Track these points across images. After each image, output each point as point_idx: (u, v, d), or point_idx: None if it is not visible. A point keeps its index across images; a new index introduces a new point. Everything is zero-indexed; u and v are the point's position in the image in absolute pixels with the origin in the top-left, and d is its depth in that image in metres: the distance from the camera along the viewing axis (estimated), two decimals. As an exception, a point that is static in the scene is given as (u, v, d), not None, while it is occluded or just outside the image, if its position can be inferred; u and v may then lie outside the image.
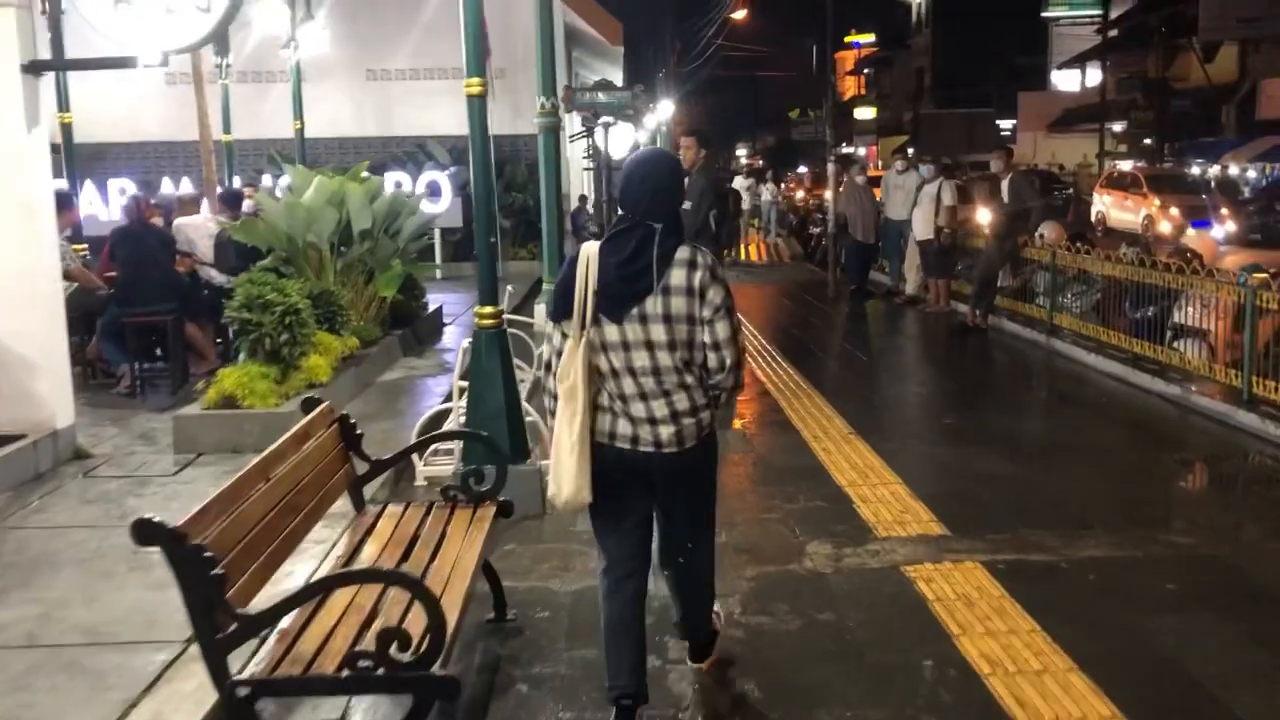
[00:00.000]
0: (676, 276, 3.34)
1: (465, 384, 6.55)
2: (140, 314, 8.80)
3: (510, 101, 18.57)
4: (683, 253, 3.37)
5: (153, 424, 7.81)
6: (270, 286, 7.62)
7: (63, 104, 10.88)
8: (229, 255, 9.35)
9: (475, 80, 6.29)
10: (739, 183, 24.16)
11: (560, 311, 3.44)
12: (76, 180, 16.72)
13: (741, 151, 76.76)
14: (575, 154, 21.84)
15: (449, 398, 7.49)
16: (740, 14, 33.82)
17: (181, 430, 7.12)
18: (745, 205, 23.12)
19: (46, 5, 6.29)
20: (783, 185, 30.58)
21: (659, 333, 3.35)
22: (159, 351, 9.15)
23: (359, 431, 4.69)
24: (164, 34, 6.49)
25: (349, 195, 9.03)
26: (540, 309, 12.64)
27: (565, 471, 3.44)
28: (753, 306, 15.38)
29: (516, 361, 9.71)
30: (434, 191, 17.79)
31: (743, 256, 22.29)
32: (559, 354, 3.46)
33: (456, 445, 6.53)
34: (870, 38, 64.23)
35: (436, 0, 18.46)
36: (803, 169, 33.03)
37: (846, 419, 8.16)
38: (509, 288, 10.31)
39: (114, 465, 6.86)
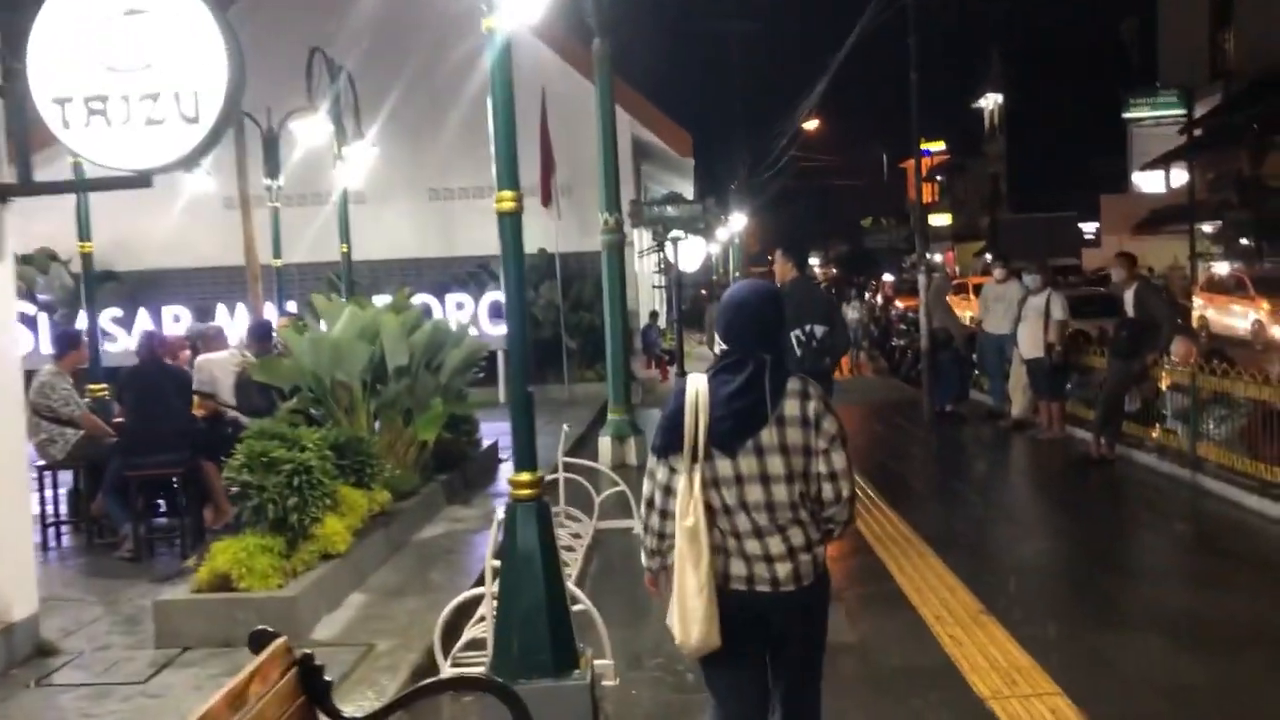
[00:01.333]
0: (791, 407, 3.29)
1: (499, 563, 5.19)
2: (147, 466, 7.63)
3: (577, 217, 17.60)
4: (794, 384, 3.33)
5: (146, 600, 6.53)
6: (279, 440, 6.38)
7: (83, 232, 9.93)
8: (251, 396, 8.19)
9: (507, 194, 5.10)
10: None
11: (669, 446, 3.33)
12: (94, 313, 15.98)
13: (814, 261, 75.71)
14: (645, 269, 20.77)
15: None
16: (812, 124, 32.97)
17: (164, 618, 5.83)
18: None
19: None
20: (870, 296, 27.93)
21: (776, 465, 3.27)
22: (167, 506, 7.96)
23: (328, 679, 3.29)
24: (147, 150, 5.35)
25: (383, 327, 7.84)
26: (605, 441, 11.31)
27: (693, 615, 3.29)
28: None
29: (571, 513, 8.45)
30: (496, 313, 16.72)
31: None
32: (666, 490, 3.36)
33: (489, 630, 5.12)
34: (940, 145, 63.49)
35: (500, 116, 17.69)
36: (888, 276, 31.54)
37: (971, 588, 6.60)
38: (565, 427, 8.98)
39: (79, 666, 5.57)
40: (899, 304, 27.92)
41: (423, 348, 8.11)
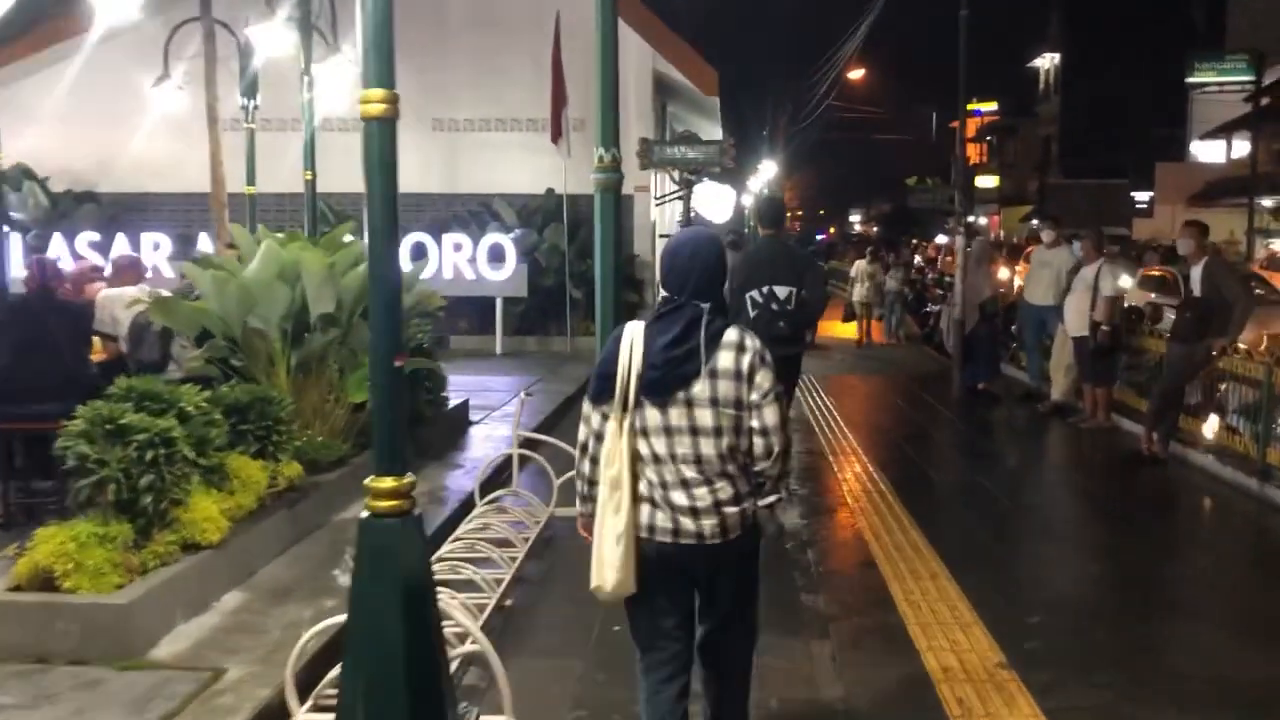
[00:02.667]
0: (725, 359, 3.21)
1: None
2: (25, 418, 6.42)
3: (590, 156, 16.15)
4: (731, 335, 3.25)
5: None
6: (149, 401, 5.12)
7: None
8: (147, 342, 6.93)
9: (377, 95, 3.69)
10: (860, 268, 19.18)
11: (601, 393, 3.28)
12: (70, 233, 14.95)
13: (855, 218, 73.68)
14: (668, 219, 19.33)
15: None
16: (857, 73, 31.15)
17: (-32, 623, 4.61)
18: (862, 293, 18.94)
19: None
20: (915, 264, 25.46)
21: (705, 418, 3.20)
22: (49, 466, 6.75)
23: None
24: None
25: (304, 268, 6.54)
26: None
27: (610, 562, 3.25)
28: (856, 406, 12.50)
29: (525, 496, 7.16)
30: (496, 256, 15.41)
31: (859, 339, 18.87)
32: (598, 436, 3.31)
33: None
34: (992, 105, 61.31)
35: (514, 43, 16.23)
36: (941, 239, 29.40)
37: (991, 628, 5.27)
38: (522, 395, 7.68)
39: None
40: (939, 268, 26.25)
41: (356, 293, 6.80)
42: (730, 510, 3.23)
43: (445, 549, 6.05)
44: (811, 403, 12.19)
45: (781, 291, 7.34)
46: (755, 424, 3.22)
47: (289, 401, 6.41)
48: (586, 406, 3.36)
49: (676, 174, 13.57)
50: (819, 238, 60.73)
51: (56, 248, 15.32)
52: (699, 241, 3.43)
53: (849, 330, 19.49)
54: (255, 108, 12.08)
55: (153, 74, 12.29)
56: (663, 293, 3.38)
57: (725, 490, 3.23)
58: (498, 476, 7.64)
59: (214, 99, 11.44)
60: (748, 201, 30.41)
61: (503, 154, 16.47)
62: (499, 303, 15.56)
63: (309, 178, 10.90)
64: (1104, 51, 45.48)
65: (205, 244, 15.12)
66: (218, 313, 6.51)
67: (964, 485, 8.98)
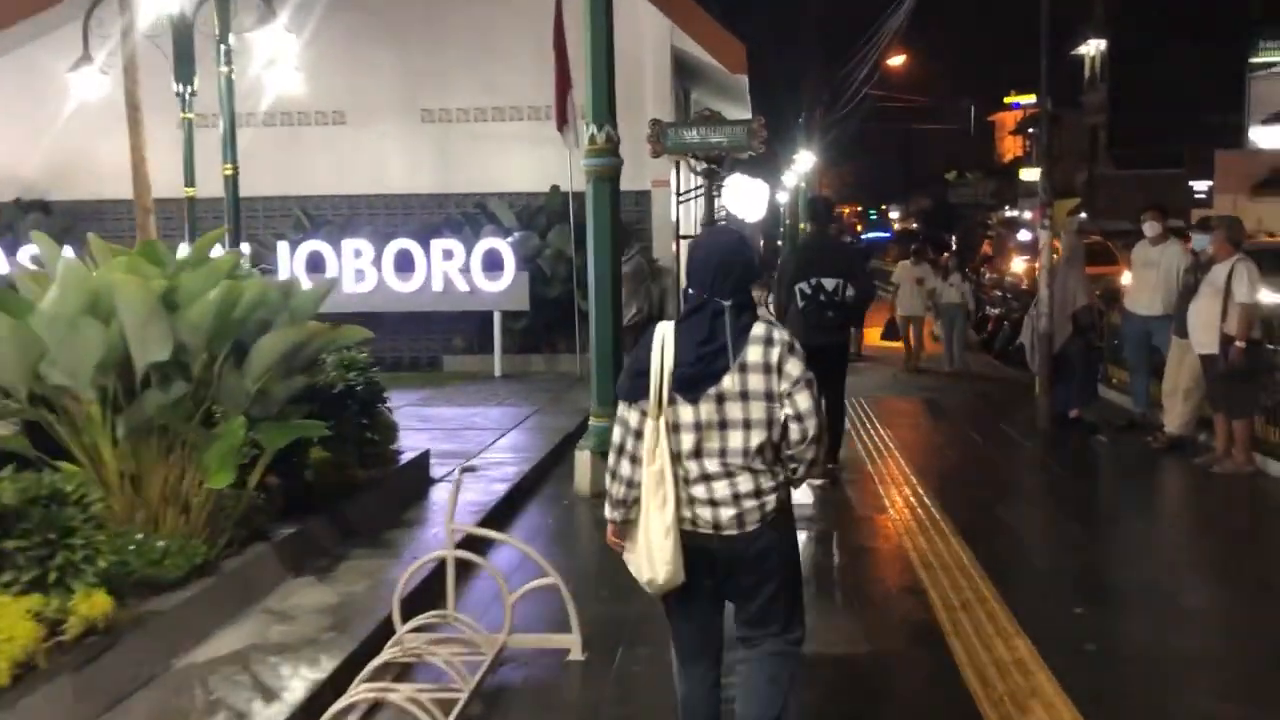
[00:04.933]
0: (754, 353, 3.21)
1: None
2: None
3: (600, 148, 13.90)
4: (758, 329, 3.25)
5: None
6: None
7: None
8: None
9: None
10: (905, 271, 15.61)
11: (635, 392, 3.28)
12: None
13: (894, 214, 70.93)
14: (693, 218, 17.05)
15: None
16: (897, 60, 28.73)
17: None
18: (908, 302, 15.29)
19: None
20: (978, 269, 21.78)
21: (735, 411, 3.20)
22: None
23: None
24: None
25: (120, 297, 4.31)
26: (583, 458, 7.77)
27: (660, 555, 3.24)
28: (918, 440, 10.14)
29: (465, 622, 4.54)
30: (493, 264, 13.18)
31: (908, 358, 15.21)
32: (638, 435, 3.26)
33: None
34: (1032, 98, 58.72)
35: (513, 20, 14.01)
36: (1024, 235, 26.17)
37: None
38: (457, 474, 5.35)
39: None
40: (1001, 267, 23.59)
41: (208, 332, 4.56)
42: (749, 503, 3.23)
43: (342, 701, 3.88)
44: (863, 433, 9.87)
45: (829, 283, 7.59)
46: (790, 410, 3.20)
47: (97, 496, 4.20)
48: (621, 408, 3.34)
49: (698, 164, 11.23)
50: (883, 236, 57.68)
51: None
52: (725, 239, 3.48)
53: (897, 344, 16.25)
54: (192, 94, 9.97)
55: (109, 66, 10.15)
56: (690, 290, 3.37)
57: (745, 483, 3.23)
58: (433, 585, 5.37)
59: (133, 82, 9.30)
60: (783, 199, 28.01)
61: (501, 147, 14.22)
62: (497, 318, 13.33)
63: (227, 173, 8.76)
64: (1154, 33, 42.86)
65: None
66: (-7, 363, 4.31)
67: (1064, 553, 6.56)
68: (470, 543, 5.18)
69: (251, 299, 4.72)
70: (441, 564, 4.97)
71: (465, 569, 5.21)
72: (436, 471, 7.88)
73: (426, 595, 5.15)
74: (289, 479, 5.89)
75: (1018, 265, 21.30)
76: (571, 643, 4.86)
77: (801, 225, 24.05)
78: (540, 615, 5.07)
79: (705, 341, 3.21)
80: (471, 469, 4.91)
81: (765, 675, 3.38)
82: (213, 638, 4.66)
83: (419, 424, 10.04)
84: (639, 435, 3.25)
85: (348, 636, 4.80)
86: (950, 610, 5.29)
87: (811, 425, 3.19)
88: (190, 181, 10.14)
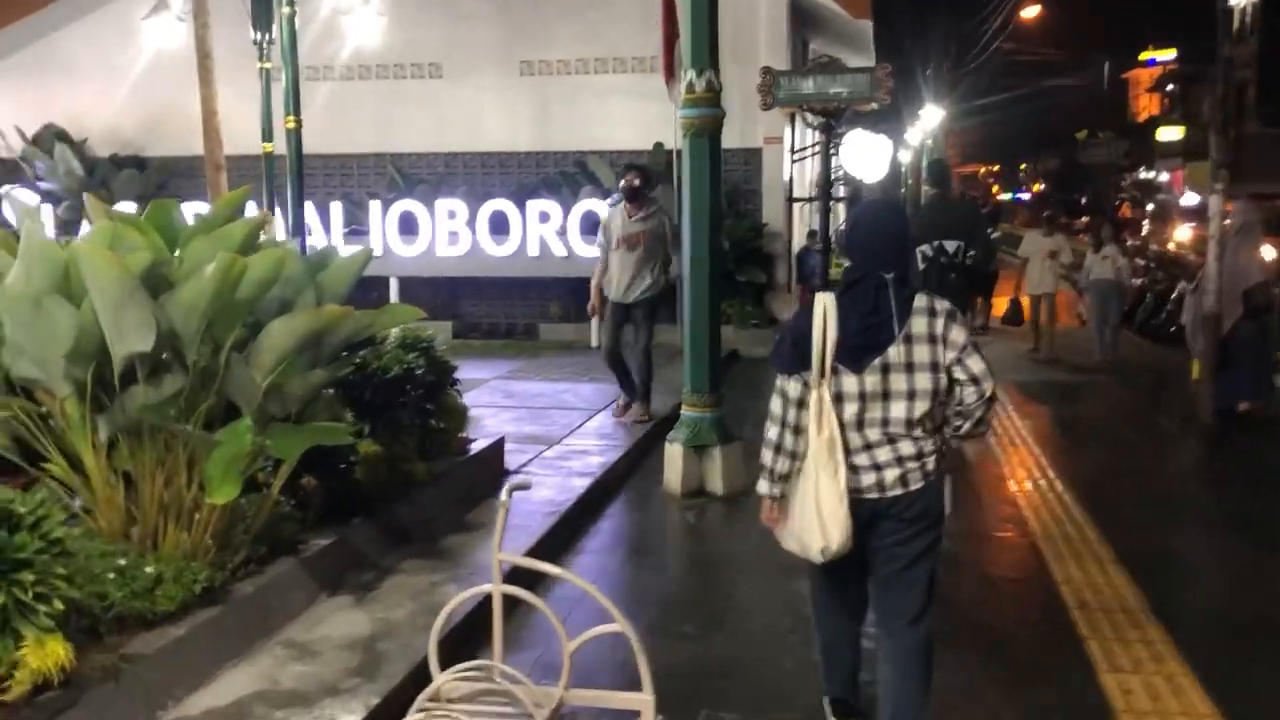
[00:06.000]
0: (918, 325, 3.23)
1: None
2: None
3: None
4: (921, 300, 3.26)
5: None
6: None
7: None
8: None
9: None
10: (1034, 243, 12.71)
11: (796, 363, 3.30)
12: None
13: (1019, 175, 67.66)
14: (805, 177, 15.82)
15: None
16: (1033, 10, 26.76)
17: None
18: (1038, 279, 12.44)
19: None
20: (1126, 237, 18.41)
21: (899, 382, 3.22)
22: None
23: None
24: None
25: (89, 276, 3.48)
26: (674, 451, 6.80)
27: (836, 521, 3.23)
28: (1059, 436, 8.86)
29: (511, 676, 3.67)
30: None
31: (1035, 344, 12.71)
32: (800, 404, 3.30)
33: None
34: (1171, 54, 55.02)
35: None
36: (1191, 198, 22.61)
37: None
38: (504, 497, 4.35)
39: None
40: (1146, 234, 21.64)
41: (203, 314, 3.70)
42: (912, 465, 3.26)
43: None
44: (994, 423, 8.67)
45: (950, 246, 7.51)
46: (963, 375, 3.23)
47: (59, 519, 3.39)
48: (780, 380, 3.34)
49: (814, 119, 10.04)
50: (1018, 197, 54.55)
51: (89, 221, 12.98)
52: (886, 212, 3.52)
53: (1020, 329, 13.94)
54: (270, 43, 9.21)
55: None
56: (848, 263, 3.41)
57: (907, 448, 3.25)
58: (480, 619, 4.48)
59: (203, 27, 8.63)
60: (905, 158, 26.41)
61: (602, 101, 13.24)
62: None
63: (291, 126, 7.97)
64: (1313, -17, 39.28)
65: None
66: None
67: (1262, 595, 5.35)
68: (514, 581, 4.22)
69: (262, 275, 3.84)
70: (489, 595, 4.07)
71: (519, 601, 4.30)
72: (513, 460, 7.02)
73: (474, 631, 4.27)
74: (332, 478, 5.08)
75: (1179, 234, 19.17)
76: (642, 704, 3.90)
77: (924, 187, 22.43)
78: (607, 663, 4.14)
79: (870, 313, 3.22)
80: (522, 487, 3.97)
81: (913, 655, 3.37)
82: (213, 682, 3.85)
83: (504, 401, 9.23)
84: (801, 405, 3.29)
85: (374, 684, 3.94)
86: (1118, 673, 4.18)
87: (988, 386, 3.23)
88: (268, 136, 9.40)
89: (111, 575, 3.65)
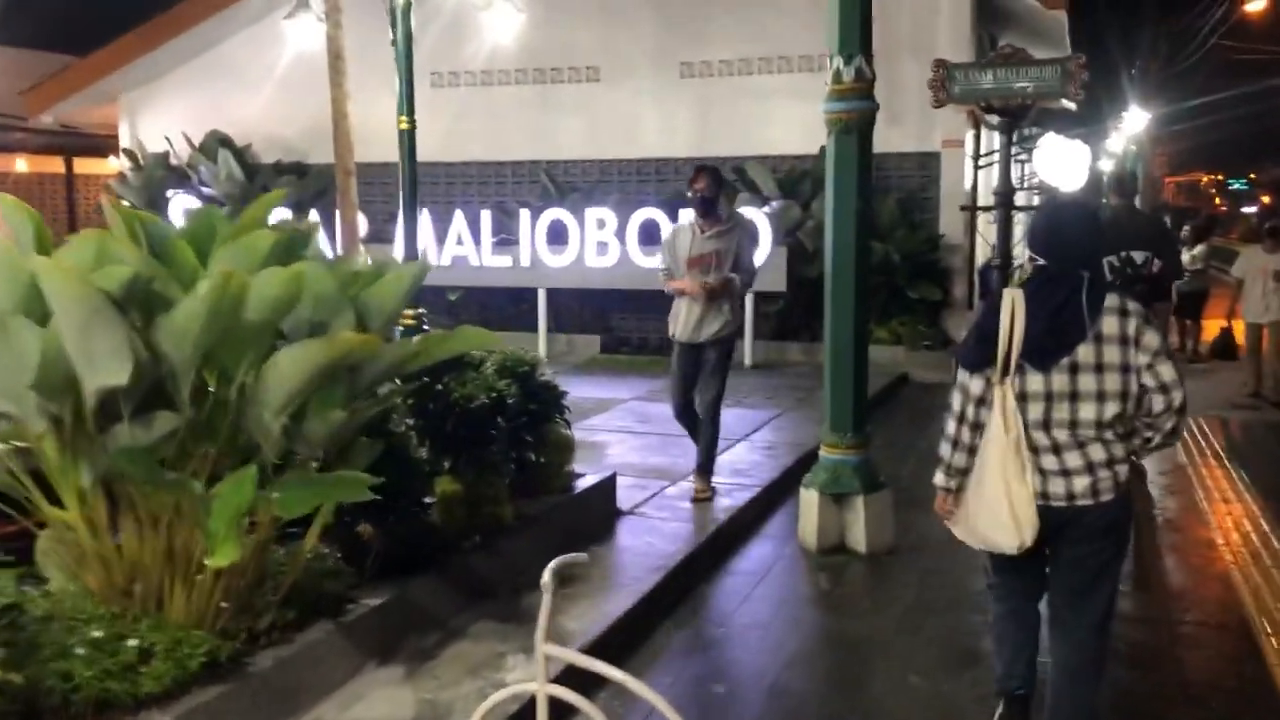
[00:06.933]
0: (1109, 325, 3.14)
1: None
2: None
3: (882, 99, 11.63)
4: (1112, 300, 3.17)
5: None
6: None
7: None
8: None
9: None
10: (1253, 260, 10.59)
11: (980, 359, 3.25)
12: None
13: (1236, 185, 62.40)
14: (987, 185, 14.43)
15: None
16: (1258, 3, 24.20)
17: None
18: (1261, 306, 10.25)
19: None
20: None
21: (1088, 383, 3.13)
22: None
23: None
24: None
25: (52, 293, 2.87)
26: (810, 498, 5.85)
27: (1027, 519, 3.19)
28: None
29: None
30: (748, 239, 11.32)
31: (1256, 383, 10.42)
32: (980, 402, 3.26)
33: None
34: None
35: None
36: None
37: None
38: (547, 577, 3.47)
39: None
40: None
41: (197, 342, 3.05)
42: (1103, 473, 3.17)
43: None
44: (1200, 467, 7.34)
45: (1138, 257, 7.25)
46: (1151, 382, 3.13)
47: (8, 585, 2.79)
48: (962, 375, 3.31)
49: (994, 119, 8.85)
50: (1245, 210, 49.70)
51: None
52: (1075, 209, 3.50)
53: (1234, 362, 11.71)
54: (410, 39, 8.72)
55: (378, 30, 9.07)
56: (1036, 260, 3.26)
57: (1098, 453, 3.16)
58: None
59: (336, 26, 8.15)
60: (1107, 166, 24.33)
61: (764, 104, 12.33)
62: (750, 298, 11.50)
63: (404, 127, 7.42)
64: None
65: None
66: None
67: None
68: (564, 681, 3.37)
69: (277, 293, 3.17)
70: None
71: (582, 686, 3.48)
72: (629, 498, 6.23)
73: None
74: (401, 524, 4.42)
75: None
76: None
77: (1111, 198, 20.38)
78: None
79: (1058, 311, 3.14)
80: (576, 565, 3.16)
81: (1084, 659, 3.32)
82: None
83: (636, 425, 8.47)
84: (982, 403, 3.25)
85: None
86: None
87: (1178, 396, 3.12)
88: (409, 142, 8.89)
89: (81, 650, 3.04)
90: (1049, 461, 3.18)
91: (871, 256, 11.11)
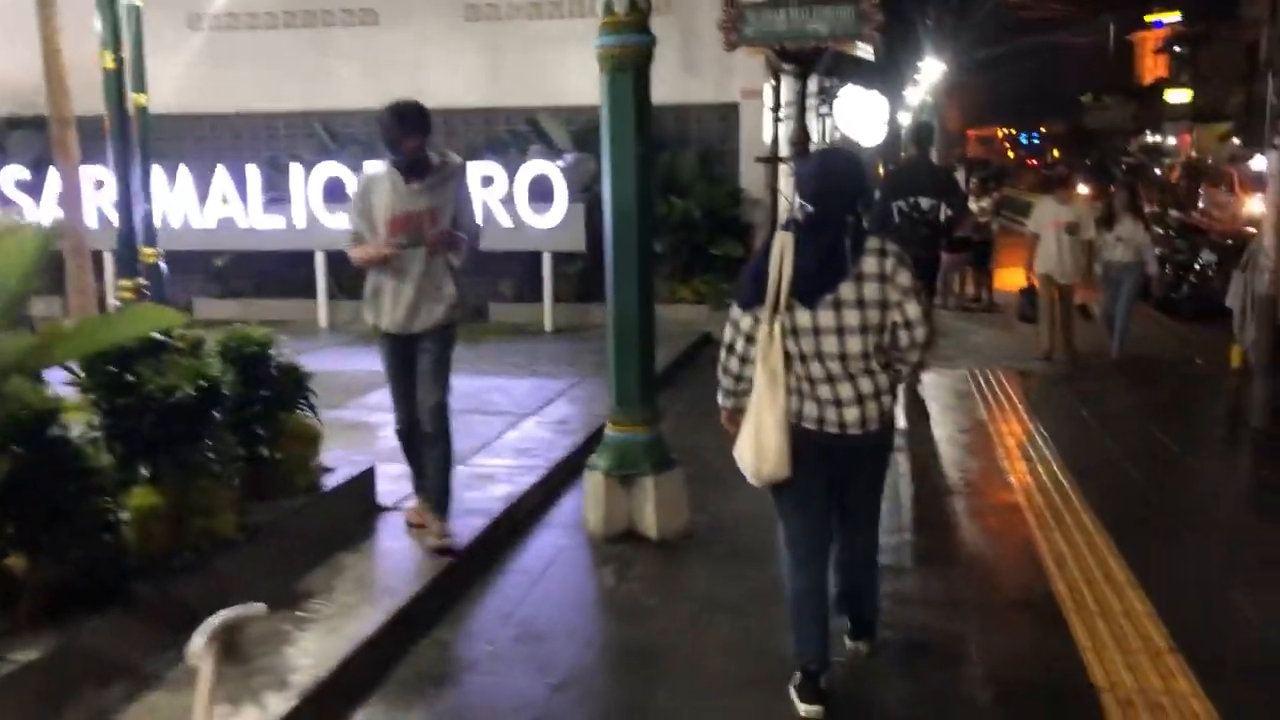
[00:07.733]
0: (869, 264, 3.38)
1: None
2: None
3: (678, 49, 11.12)
4: (872, 242, 3.40)
5: None
6: None
7: None
8: None
9: None
10: (1046, 212, 9.60)
11: (752, 298, 3.45)
12: None
13: (1024, 139, 65.63)
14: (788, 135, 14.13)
15: None
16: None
17: None
18: (1053, 259, 9.46)
19: None
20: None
21: (851, 318, 3.37)
22: None
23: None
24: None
25: None
26: (594, 480, 5.21)
27: (770, 448, 3.44)
28: (1076, 443, 7.26)
29: None
30: (542, 194, 10.61)
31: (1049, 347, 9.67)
32: (748, 338, 3.48)
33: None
34: (1175, 15, 53.14)
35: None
36: (1260, 163, 19.08)
37: None
38: (202, 635, 2.76)
39: None
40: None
41: None
42: (871, 404, 3.43)
43: None
44: (1002, 424, 7.14)
45: (925, 203, 7.67)
46: (899, 318, 3.38)
47: None
48: (735, 311, 3.51)
49: (794, 67, 8.38)
50: (1033, 163, 51.20)
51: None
52: (844, 160, 3.59)
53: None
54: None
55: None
56: (805, 207, 3.41)
57: (867, 384, 3.42)
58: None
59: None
60: (905, 120, 24.68)
61: (559, 50, 11.55)
62: (547, 259, 10.81)
63: (109, 66, 6.30)
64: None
65: (161, 182, 10.82)
66: None
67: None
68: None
69: None
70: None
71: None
72: (392, 492, 5.44)
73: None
74: (79, 548, 3.54)
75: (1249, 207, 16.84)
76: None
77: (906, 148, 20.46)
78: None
79: (823, 251, 3.35)
80: (246, 618, 2.44)
81: (870, 560, 3.78)
82: None
83: (417, 402, 7.64)
84: (750, 339, 3.47)
85: None
86: None
87: (919, 332, 3.41)
88: (140, 86, 7.72)
89: None
90: (824, 391, 3.43)
91: (662, 211, 10.69)
